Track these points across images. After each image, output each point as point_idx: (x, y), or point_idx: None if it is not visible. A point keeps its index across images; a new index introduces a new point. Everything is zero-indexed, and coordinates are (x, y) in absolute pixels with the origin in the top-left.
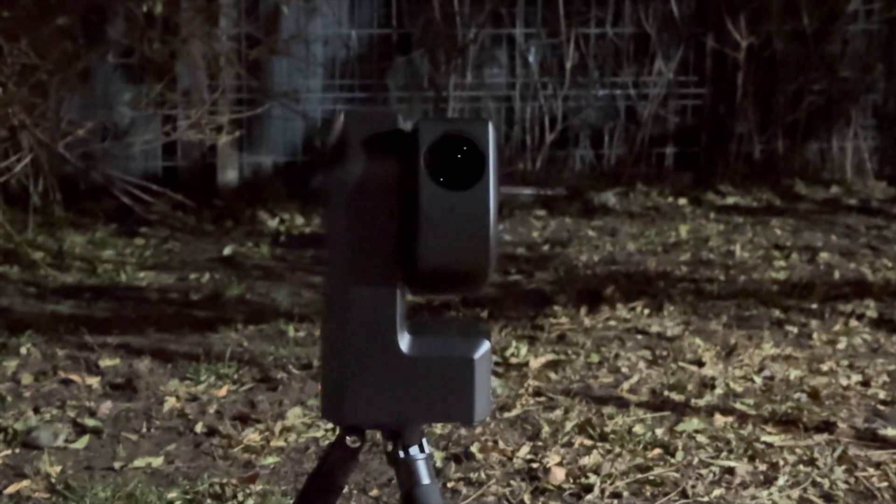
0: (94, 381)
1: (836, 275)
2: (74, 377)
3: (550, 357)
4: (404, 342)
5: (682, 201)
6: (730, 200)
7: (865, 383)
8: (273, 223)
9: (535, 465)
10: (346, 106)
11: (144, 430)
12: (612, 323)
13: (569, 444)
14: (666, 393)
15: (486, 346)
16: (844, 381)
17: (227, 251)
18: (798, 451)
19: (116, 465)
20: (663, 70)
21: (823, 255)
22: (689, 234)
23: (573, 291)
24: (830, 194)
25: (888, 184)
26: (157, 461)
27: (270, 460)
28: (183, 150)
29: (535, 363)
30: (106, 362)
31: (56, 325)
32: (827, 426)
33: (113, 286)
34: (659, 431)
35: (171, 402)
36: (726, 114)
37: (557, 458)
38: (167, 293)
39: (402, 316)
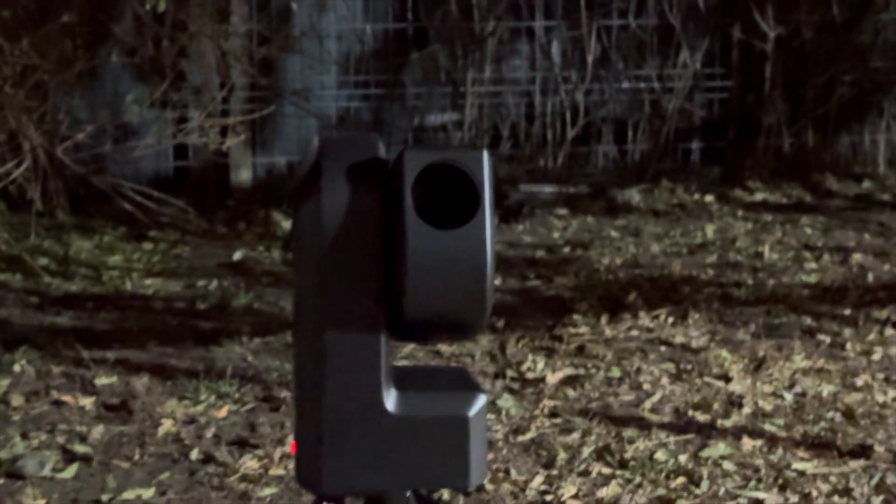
0: (87, 402)
1: (870, 277)
2: (67, 398)
3: (569, 371)
4: (390, 400)
5: (709, 198)
6: (758, 197)
7: None
8: (287, 224)
9: (549, 498)
10: (360, 104)
11: (137, 457)
12: (635, 333)
13: (586, 473)
14: (690, 412)
15: (481, 400)
16: (881, 398)
17: (237, 256)
18: (832, 479)
19: (105, 497)
20: (688, 62)
21: (856, 256)
22: (715, 234)
23: (594, 298)
24: (863, 189)
25: None
26: (149, 493)
27: (267, 492)
28: (194, 151)
29: (553, 378)
30: (102, 380)
31: (53, 339)
32: (863, 450)
33: (117, 295)
34: (682, 458)
35: (167, 425)
36: (754, 107)
37: (573, 489)
38: (172, 302)
39: (387, 370)
